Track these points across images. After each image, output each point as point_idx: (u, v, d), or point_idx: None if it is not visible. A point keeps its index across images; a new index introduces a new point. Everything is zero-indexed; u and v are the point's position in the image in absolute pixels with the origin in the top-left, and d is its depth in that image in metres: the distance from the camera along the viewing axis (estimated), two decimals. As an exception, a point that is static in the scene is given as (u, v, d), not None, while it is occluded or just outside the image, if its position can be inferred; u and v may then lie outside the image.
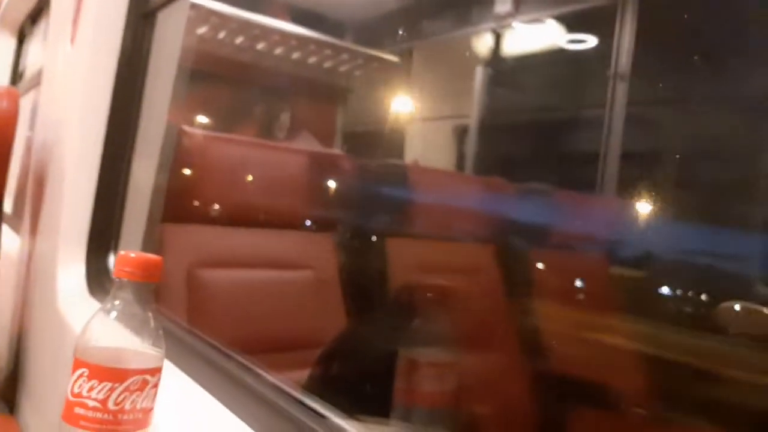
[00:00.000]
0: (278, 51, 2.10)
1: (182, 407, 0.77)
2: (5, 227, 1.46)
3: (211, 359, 0.89)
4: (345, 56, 2.12)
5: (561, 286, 1.28)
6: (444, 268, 1.34)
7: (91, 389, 0.57)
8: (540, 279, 1.35)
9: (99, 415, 0.57)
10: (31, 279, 1.44)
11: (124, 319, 0.61)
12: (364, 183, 1.72)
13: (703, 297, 1.06)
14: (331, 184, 1.74)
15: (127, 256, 0.61)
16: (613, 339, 1.08)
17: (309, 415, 0.72)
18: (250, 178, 1.55)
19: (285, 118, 2.11)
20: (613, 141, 1.28)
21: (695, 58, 1.04)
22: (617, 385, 1.05)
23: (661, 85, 1.17)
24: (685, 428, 0.93)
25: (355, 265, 1.57)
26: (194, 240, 1.40)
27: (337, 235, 1.60)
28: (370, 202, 1.63)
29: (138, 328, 0.61)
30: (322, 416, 0.72)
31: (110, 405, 0.57)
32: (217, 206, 1.49)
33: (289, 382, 0.79)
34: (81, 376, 0.58)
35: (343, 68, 2.14)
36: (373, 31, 2.19)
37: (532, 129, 1.51)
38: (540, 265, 1.35)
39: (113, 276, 0.62)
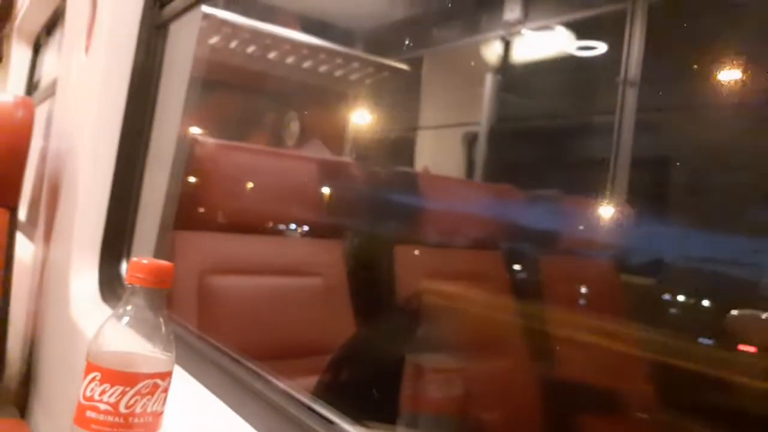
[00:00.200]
0: (289, 60, 2.11)
1: (192, 412, 0.78)
2: (19, 235, 1.48)
3: (221, 365, 0.89)
4: (355, 65, 2.14)
5: (570, 291, 1.27)
6: (452, 275, 1.34)
7: (102, 393, 0.58)
8: (548, 284, 1.34)
9: (110, 418, 0.58)
10: (44, 285, 1.46)
11: (136, 324, 0.62)
12: (373, 190, 1.73)
13: (714, 304, 1.05)
14: (341, 191, 1.75)
15: (139, 262, 0.62)
16: (623, 345, 1.07)
17: (318, 421, 0.72)
18: (260, 185, 1.57)
19: (295, 126, 2.12)
20: (623, 147, 1.27)
21: (703, 64, 1.03)
22: (629, 391, 1.05)
23: (670, 91, 1.17)
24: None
25: (364, 272, 1.58)
26: (205, 247, 1.42)
27: (346, 242, 1.61)
28: (379, 210, 1.63)
29: (149, 333, 0.62)
30: (330, 422, 0.73)
31: (121, 408, 0.58)
32: (228, 213, 1.50)
33: (298, 388, 0.80)
34: (93, 379, 0.58)
35: (353, 77, 2.16)
36: (384, 40, 2.20)
37: (541, 135, 1.51)
38: (548, 271, 1.35)
39: (126, 282, 0.63)
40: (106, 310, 1.18)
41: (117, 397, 0.58)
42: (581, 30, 1.44)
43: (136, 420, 0.59)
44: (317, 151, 2.00)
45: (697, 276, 1.06)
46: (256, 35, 2.05)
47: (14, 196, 1.38)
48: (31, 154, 1.39)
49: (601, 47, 1.43)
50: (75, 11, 1.60)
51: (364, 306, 1.46)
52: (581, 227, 1.25)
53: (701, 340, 1.03)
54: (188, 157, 1.46)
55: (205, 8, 1.45)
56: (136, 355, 0.61)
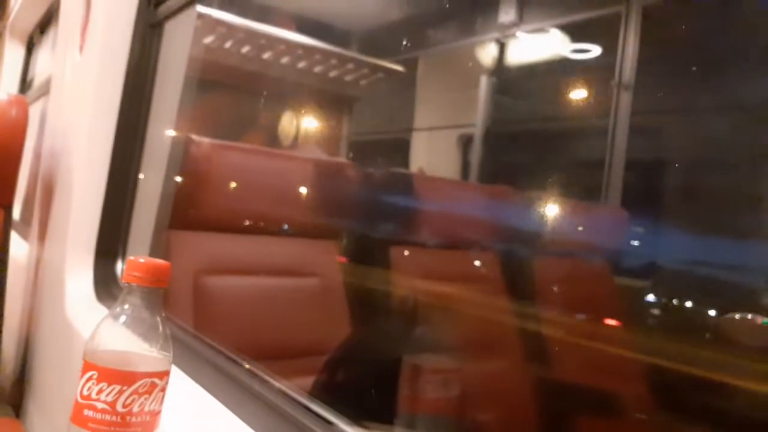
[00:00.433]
0: (284, 60, 2.11)
1: (189, 411, 0.78)
2: (14, 234, 1.47)
3: (217, 365, 0.89)
4: (350, 66, 2.14)
5: (564, 293, 1.28)
6: (448, 276, 1.35)
7: (100, 391, 0.58)
8: (543, 286, 1.35)
9: (108, 417, 0.58)
10: (39, 285, 1.45)
11: (133, 323, 0.62)
12: (369, 191, 1.73)
13: (707, 307, 1.06)
14: (337, 191, 1.75)
15: (136, 261, 0.62)
16: (618, 348, 1.08)
17: (315, 420, 0.73)
18: (256, 185, 1.56)
19: (290, 126, 2.12)
20: (618, 150, 1.28)
21: (699, 67, 1.04)
22: (623, 393, 1.06)
23: (665, 94, 1.18)
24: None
25: (360, 272, 1.58)
26: (201, 247, 1.41)
27: (342, 243, 1.61)
28: (375, 210, 1.63)
29: (146, 332, 0.62)
30: (328, 422, 0.73)
31: (119, 407, 0.58)
32: (223, 213, 1.50)
33: (295, 388, 0.80)
34: (90, 378, 0.58)
35: (348, 77, 2.16)
36: (379, 41, 2.21)
37: (536, 138, 1.51)
38: (543, 273, 1.35)
39: (122, 281, 0.63)
40: (101, 309, 1.18)
41: (114, 396, 0.58)
42: (576, 33, 1.45)
43: (133, 419, 0.59)
44: (312, 152, 2.00)
45: (692, 278, 1.06)
46: (251, 35, 2.05)
47: (8, 195, 1.38)
48: (25, 153, 1.39)
49: (595, 50, 1.44)
50: (69, 9, 1.60)
51: (360, 306, 1.46)
52: (575, 229, 1.26)
53: (695, 341, 1.03)
54: (183, 157, 1.46)
55: (200, 8, 1.45)
56: (134, 354, 0.61)
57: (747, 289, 0.98)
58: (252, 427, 0.73)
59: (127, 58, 1.30)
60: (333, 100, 2.22)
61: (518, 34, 1.66)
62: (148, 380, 0.59)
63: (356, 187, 1.77)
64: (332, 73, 2.15)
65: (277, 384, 0.81)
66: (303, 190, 1.65)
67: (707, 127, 1.07)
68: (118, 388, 0.58)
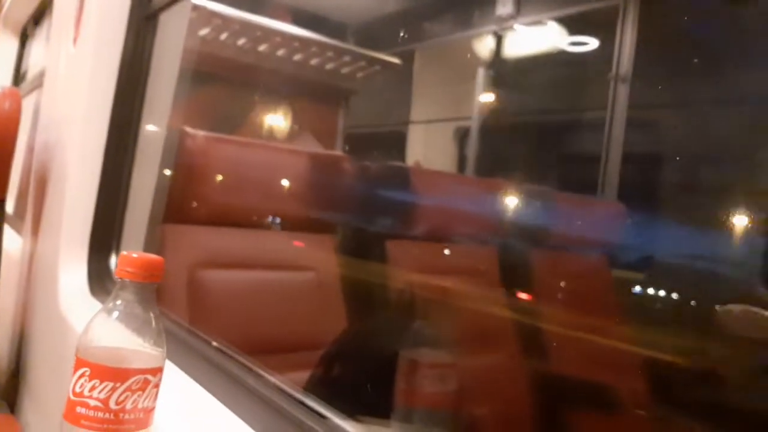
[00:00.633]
0: (280, 53, 2.10)
1: (183, 407, 0.77)
2: (7, 228, 1.47)
3: (212, 360, 0.89)
4: (347, 58, 2.13)
5: (561, 287, 1.28)
6: (444, 270, 1.34)
7: (92, 389, 0.57)
8: (540, 280, 1.35)
9: (100, 414, 0.57)
10: (32, 279, 1.45)
11: (126, 319, 0.61)
12: (365, 184, 1.72)
13: (704, 300, 1.06)
14: (333, 185, 1.74)
15: (129, 256, 0.62)
16: (614, 341, 1.08)
17: (310, 415, 0.72)
18: (251, 178, 1.56)
19: (286, 119, 2.11)
20: (614, 143, 1.28)
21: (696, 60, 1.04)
22: (620, 387, 1.06)
23: (662, 87, 1.18)
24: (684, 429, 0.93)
25: (357, 266, 1.58)
26: (196, 241, 1.41)
27: (338, 237, 1.60)
28: (371, 204, 1.63)
29: (140, 328, 0.61)
30: (323, 417, 0.72)
31: (112, 404, 0.57)
32: (218, 207, 1.49)
33: (290, 382, 0.80)
34: (83, 375, 0.58)
35: (344, 70, 2.14)
36: (375, 34, 2.19)
37: (533, 131, 1.51)
38: (540, 267, 1.35)
39: (115, 276, 0.62)
40: (95, 304, 1.17)
41: (107, 393, 0.57)
42: (573, 25, 1.44)
43: (126, 416, 0.58)
44: (308, 145, 1.99)
45: (688, 271, 1.06)
46: (246, 27, 2.04)
47: (1, 189, 1.36)
48: (19, 146, 1.38)
49: (593, 43, 1.43)
50: (63, 1, 1.58)
51: (357, 300, 1.45)
52: (573, 222, 1.25)
53: (691, 334, 1.03)
54: (178, 150, 1.45)
55: (195, -1, 1.44)
56: (126, 350, 0.60)
57: (739, 281, 0.98)
58: (247, 422, 0.73)
59: (121, 50, 1.29)
60: (329, 93, 2.21)
61: (516, 26, 1.65)
62: (141, 377, 0.59)
63: (352, 181, 1.77)
64: (328, 66, 2.13)
65: (272, 379, 0.81)
66: (299, 183, 1.64)
67: (705, 120, 1.07)
68: (110, 385, 0.57)
